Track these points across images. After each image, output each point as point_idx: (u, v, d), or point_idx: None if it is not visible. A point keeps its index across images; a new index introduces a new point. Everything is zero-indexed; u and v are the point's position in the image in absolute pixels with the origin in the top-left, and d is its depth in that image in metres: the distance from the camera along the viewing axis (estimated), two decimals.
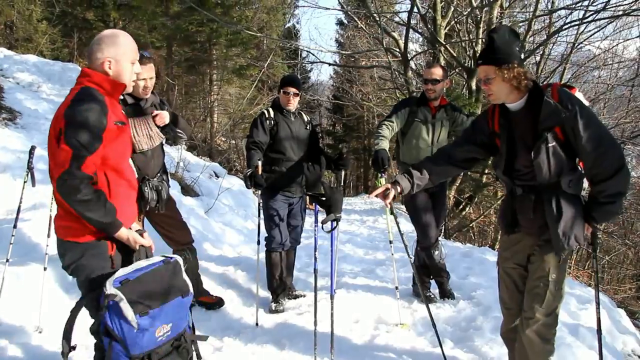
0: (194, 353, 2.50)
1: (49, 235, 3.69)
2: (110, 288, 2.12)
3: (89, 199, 2.15)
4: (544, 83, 2.67)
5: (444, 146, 3.23)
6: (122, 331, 2.15)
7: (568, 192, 2.55)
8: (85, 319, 3.54)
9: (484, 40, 2.40)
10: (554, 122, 2.47)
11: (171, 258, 2.40)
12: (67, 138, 2.11)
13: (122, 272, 2.21)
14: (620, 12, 9.65)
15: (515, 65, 2.50)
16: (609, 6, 9.27)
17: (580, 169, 2.62)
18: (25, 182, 3.70)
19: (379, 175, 4.33)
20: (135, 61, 2.40)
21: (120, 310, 2.13)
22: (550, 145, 2.51)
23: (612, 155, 2.42)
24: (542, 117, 2.50)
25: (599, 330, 2.77)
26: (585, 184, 2.65)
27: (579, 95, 2.65)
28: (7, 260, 3.59)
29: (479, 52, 2.65)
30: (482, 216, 10.60)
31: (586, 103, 2.65)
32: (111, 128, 2.25)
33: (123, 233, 2.32)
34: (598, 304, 2.78)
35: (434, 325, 3.39)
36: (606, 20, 10.53)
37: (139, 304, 2.16)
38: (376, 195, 2.91)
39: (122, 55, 2.31)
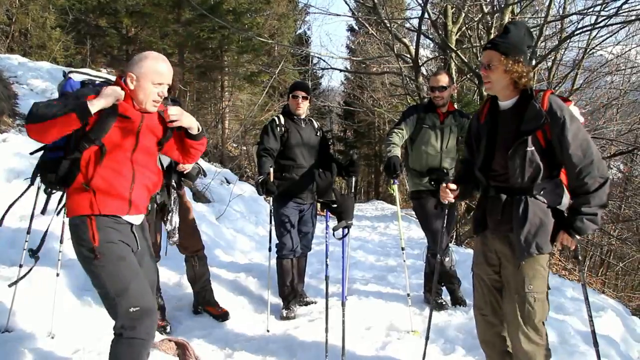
0: None
1: (61, 241, 3.71)
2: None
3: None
4: (537, 89, 2.63)
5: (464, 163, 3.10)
6: None
7: (539, 199, 2.53)
8: (95, 325, 3.58)
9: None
10: (535, 126, 2.47)
11: None
12: None
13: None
14: (633, 17, 9.56)
15: (521, 61, 2.50)
16: (621, 11, 9.18)
17: (558, 180, 2.58)
18: (38, 188, 3.71)
19: (392, 181, 4.34)
20: (157, 83, 2.56)
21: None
22: (528, 149, 2.49)
23: (598, 168, 2.42)
24: (526, 119, 2.50)
25: (595, 343, 2.67)
26: (566, 199, 2.58)
27: (573, 109, 2.64)
28: (20, 266, 3.62)
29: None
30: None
31: (580, 118, 2.63)
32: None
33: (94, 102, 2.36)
34: (590, 316, 2.67)
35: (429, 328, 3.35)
36: (618, 25, 10.44)
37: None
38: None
39: (142, 75, 2.53)
